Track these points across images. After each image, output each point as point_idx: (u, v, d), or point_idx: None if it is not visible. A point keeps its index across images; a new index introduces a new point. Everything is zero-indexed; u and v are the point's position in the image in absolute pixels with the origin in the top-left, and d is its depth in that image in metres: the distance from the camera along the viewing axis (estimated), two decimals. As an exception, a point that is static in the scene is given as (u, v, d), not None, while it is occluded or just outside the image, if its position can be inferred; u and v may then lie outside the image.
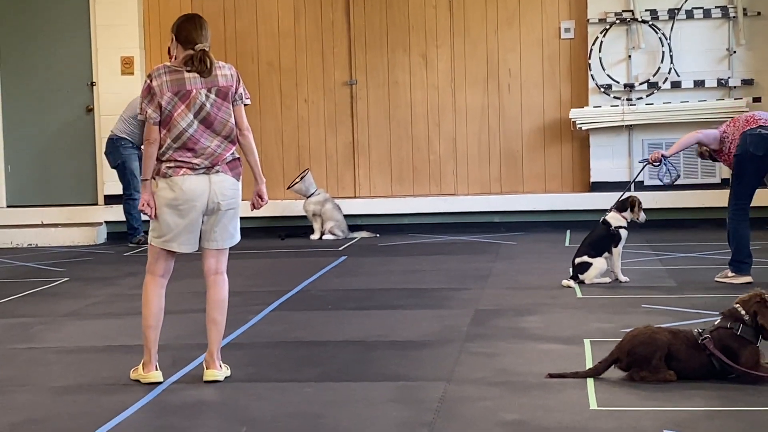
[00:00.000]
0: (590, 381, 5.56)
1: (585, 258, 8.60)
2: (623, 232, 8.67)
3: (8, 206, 13.08)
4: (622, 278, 8.59)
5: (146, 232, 11.95)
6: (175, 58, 5.73)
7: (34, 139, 13.14)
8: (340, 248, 11.43)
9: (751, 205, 8.41)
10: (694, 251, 10.23)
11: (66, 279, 9.81)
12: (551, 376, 5.68)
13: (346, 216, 12.48)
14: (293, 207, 12.74)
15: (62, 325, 7.68)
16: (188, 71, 5.67)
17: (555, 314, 7.49)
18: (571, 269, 8.68)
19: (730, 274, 8.38)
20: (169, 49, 5.82)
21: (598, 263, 8.58)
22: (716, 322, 5.58)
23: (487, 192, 12.86)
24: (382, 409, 5.24)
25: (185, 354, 6.45)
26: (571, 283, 8.54)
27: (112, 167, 12.02)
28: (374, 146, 13.02)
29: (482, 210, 12.63)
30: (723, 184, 11.94)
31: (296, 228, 12.64)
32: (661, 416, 4.94)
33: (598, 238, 8.68)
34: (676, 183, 9.23)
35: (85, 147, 13.07)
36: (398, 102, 12.98)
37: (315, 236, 12.28)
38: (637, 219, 8.73)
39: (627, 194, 8.87)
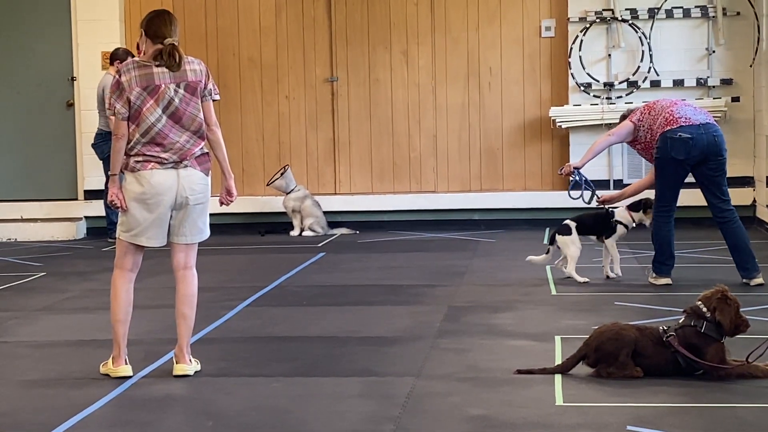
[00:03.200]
0: (558, 377, 5.59)
1: (570, 222, 8.59)
2: (621, 229, 8.67)
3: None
4: (616, 271, 8.63)
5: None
6: (144, 53, 5.74)
7: (15, 133, 13.12)
8: (319, 245, 11.44)
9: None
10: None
11: (43, 274, 9.80)
12: (519, 372, 5.70)
13: (326, 213, 12.49)
14: (273, 203, 12.75)
15: (36, 319, 7.68)
16: (157, 66, 5.67)
17: (528, 311, 7.52)
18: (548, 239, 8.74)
19: (652, 276, 8.38)
20: (138, 44, 5.83)
21: (576, 240, 8.54)
22: (680, 320, 5.61)
23: (467, 189, 12.89)
24: (349, 404, 5.26)
25: (156, 348, 6.45)
26: (534, 258, 8.63)
27: (100, 159, 12.00)
28: (355, 143, 13.03)
29: (462, 207, 12.66)
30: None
31: (276, 224, 12.65)
32: (626, 412, 4.96)
33: (592, 216, 8.71)
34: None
35: (66, 142, 13.05)
36: (379, 99, 13.00)
37: (294, 232, 12.29)
38: (645, 222, 8.69)
39: (643, 196, 8.78)
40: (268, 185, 12.51)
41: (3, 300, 8.49)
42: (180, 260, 5.86)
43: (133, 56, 11.92)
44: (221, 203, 6.02)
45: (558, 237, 8.59)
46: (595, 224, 8.68)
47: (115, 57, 11.82)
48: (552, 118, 12.56)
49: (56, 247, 11.81)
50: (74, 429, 4.93)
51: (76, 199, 12.97)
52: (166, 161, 5.70)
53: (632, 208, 8.72)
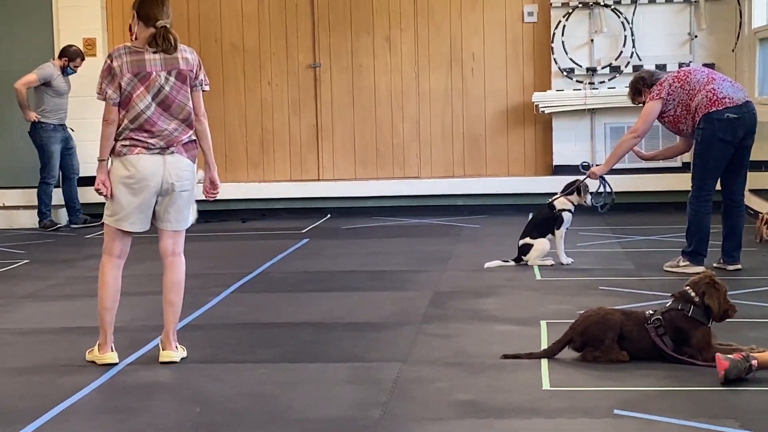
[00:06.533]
0: (544, 361, 5.61)
1: (527, 240, 8.69)
2: (566, 215, 8.73)
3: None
4: (565, 260, 8.64)
5: (89, 215, 12.06)
6: (136, 37, 5.71)
7: (-5, 118, 13.04)
8: (303, 231, 11.43)
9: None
10: (652, 234, 10.31)
11: (26, 261, 9.76)
12: (506, 357, 5.72)
13: (309, 199, 12.52)
14: (256, 190, 12.73)
15: (20, 306, 7.65)
16: (152, 52, 5.65)
17: (513, 296, 7.54)
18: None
19: (683, 263, 8.16)
20: (130, 26, 5.80)
21: (540, 244, 8.65)
22: (668, 304, 5.64)
23: (451, 175, 12.89)
24: (336, 390, 5.26)
25: (142, 335, 6.44)
26: (493, 264, 8.62)
27: (35, 147, 11.99)
28: (338, 129, 13.01)
29: (445, 193, 12.67)
30: (684, 168, 12.01)
31: (258, 211, 12.63)
32: (613, 396, 4.99)
33: (542, 219, 8.78)
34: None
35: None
36: (362, 85, 12.97)
37: None
38: (584, 203, 8.77)
39: (573, 178, 8.90)
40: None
41: (-14, 287, 8.45)
42: (168, 247, 5.84)
43: (83, 58, 11.98)
44: (206, 196, 5.98)
45: (525, 257, 8.63)
46: (547, 223, 8.71)
47: (64, 54, 11.86)
48: (535, 103, 12.57)
49: (39, 234, 11.75)
50: (61, 416, 4.92)
51: (58, 186, 12.89)
52: (152, 147, 5.68)
53: (568, 193, 8.75)
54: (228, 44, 13.08)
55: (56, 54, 12.65)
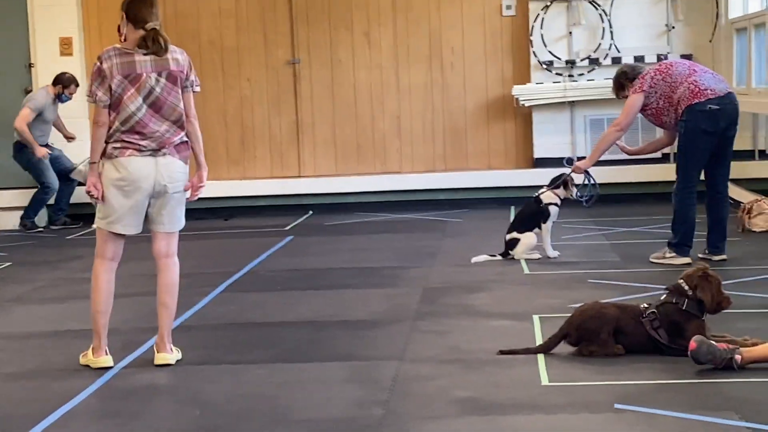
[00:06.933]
0: (541, 357, 5.62)
1: (514, 234, 8.71)
2: (553, 209, 8.75)
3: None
4: (552, 254, 8.66)
5: (70, 216, 11.99)
6: (126, 38, 5.67)
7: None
8: (286, 228, 11.41)
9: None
10: (636, 225, 10.36)
11: (8, 264, 9.69)
12: (502, 352, 5.73)
13: (290, 195, 12.52)
14: (237, 188, 12.69)
15: (7, 310, 7.60)
16: (142, 54, 5.61)
17: (503, 291, 7.55)
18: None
19: (669, 254, 8.19)
20: (119, 27, 5.76)
21: (526, 239, 8.67)
22: (662, 297, 5.66)
23: (432, 169, 12.90)
24: (336, 389, 5.26)
25: (134, 338, 6.41)
26: (480, 258, 8.64)
27: (25, 169, 11.96)
28: (318, 125, 12.98)
29: (427, 188, 12.67)
30: (664, 158, 12.07)
31: (239, 209, 12.59)
32: (612, 390, 5.01)
33: (528, 214, 8.79)
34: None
35: (24, 129, 12.85)
36: (342, 80, 12.95)
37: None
38: (571, 196, 8.80)
39: (558, 172, 8.93)
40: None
41: (-28, 291, 8.39)
42: (161, 249, 5.82)
43: (77, 84, 11.94)
44: (189, 192, 5.90)
45: (512, 252, 8.65)
46: (534, 217, 8.72)
47: (59, 81, 11.82)
48: (515, 96, 12.59)
49: (19, 236, 11.67)
50: (61, 421, 4.90)
51: (36, 188, 12.80)
52: (144, 148, 5.65)
53: (555, 187, 8.78)
54: (206, 41, 13.02)
55: (33, 55, 12.59)
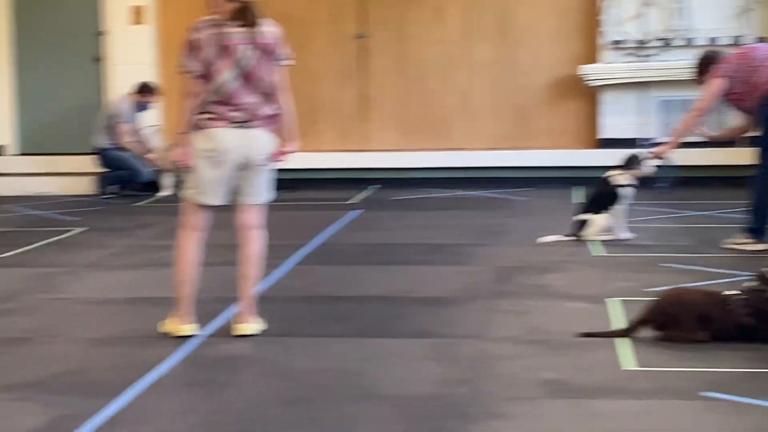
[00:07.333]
0: (622, 341, 5.60)
1: (587, 215, 8.66)
2: (627, 191, 8.69)
3: (19, 154, 13.04)
4: (624, 236, 8.61)
5: (119, 184, 12.10)
6: (217, 11, 5.69)
7: (43, 87, 13.07)
8: (352, 202, 11.44)
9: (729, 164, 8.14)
10: (708, 209, 10.27)
11: (81, 229, 9.81)
12: (583, 335, 5.71)
13: (354, 169, 12.54)
14: (303, 160, 12.69)
15: (85, 275, 7.70)
16: (235, 26, 5.64)
17: (576, 272, 7.53)
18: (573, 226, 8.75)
19: (744, 240, 8.10)
20: (208, -1, 5.77)
21: (598, 219, 8.62)
22: (749, 284, 5.61)
23: (497, 147, 12.86)
24: (418, 366, 5.28)
25: (214, 307, 6.44)
26: (549, 239, 8.60)
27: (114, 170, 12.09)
28: (385, 100, 12.98)
29: (491, 165, 12.64)
30: (741, 143, 11.91)
31: (300, 181, 12.64)
32: (699, 377, 4.97)
33: (601, 195, 8.73)
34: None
35: (93, 96, 13.00)
36: (410, 56, 12.93)
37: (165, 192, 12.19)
38: (642, 175, 8.72)
39: (630, 152, 8.86)
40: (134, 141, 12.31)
41: (48, 254, 8.50)
42: (247, 220, 5.86)
43: (156, 92, 12.06)
44: (274, 159, 5.93)
45: (583, 233, 8.59)
46: (607, 198, 8.65)
47: (142, 90, 11.94)
48: (583, 75, 12.50)
49: (87, 202, 11.80)
50: (151, 388, 4.95)
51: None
52: (235, 120, 5.69)
53: (628, 168, 8.69)
54: (276, 13, 12.98)
55: (104, 23, 12.71)
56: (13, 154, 13.07)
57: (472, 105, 12.90)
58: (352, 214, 10.43)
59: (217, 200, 5.79)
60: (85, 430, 4.39)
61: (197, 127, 5.70)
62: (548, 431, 4.37)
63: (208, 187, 5.74)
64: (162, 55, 12.87)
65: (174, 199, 11.82)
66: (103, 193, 12.13)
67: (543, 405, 4.68)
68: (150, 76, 12.65)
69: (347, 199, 11.57)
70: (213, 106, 5.67)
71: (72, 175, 12.67)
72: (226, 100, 5.66)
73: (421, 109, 12.95)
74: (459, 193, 11.98)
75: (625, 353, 5.39)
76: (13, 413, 4.67)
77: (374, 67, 12.96)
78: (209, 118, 5.68)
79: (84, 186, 12.52)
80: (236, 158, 5.71)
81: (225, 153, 5.69)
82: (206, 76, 5.65)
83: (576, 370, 5.15)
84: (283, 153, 5.94)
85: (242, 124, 5.70)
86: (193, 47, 5.64)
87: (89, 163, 12.75)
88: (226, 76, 5.65)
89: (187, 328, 5.82)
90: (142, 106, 12.11)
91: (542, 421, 4.49)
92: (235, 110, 5.68)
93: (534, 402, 4.72)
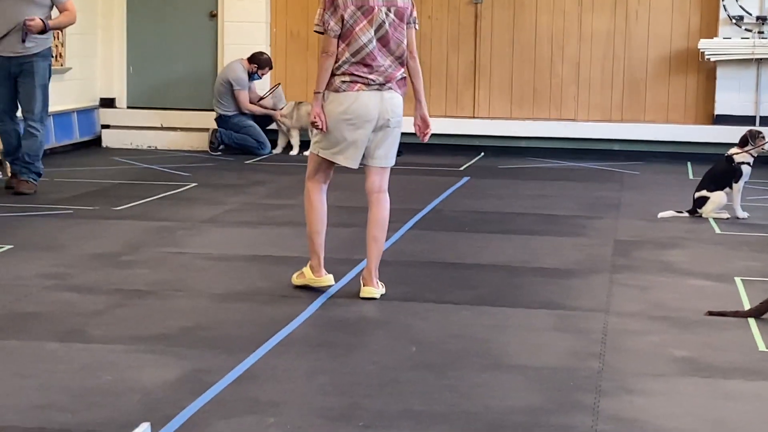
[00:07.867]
0: (752, 321, 5.50)
1: (704, 192, 8.52)
2: (745, 168, 8.53)
3: (129, 107, 13.21)
4: (741, 214, 8.46)
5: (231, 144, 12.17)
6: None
7: (157, 42, 13.19)
8: (461, 168, 11.40)
9: None
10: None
11: (194, 184, 9.91)
12: (711, 313, 5.63)
13: (463, 136, 12.47)
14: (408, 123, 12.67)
15: (203, 231, 7.78)
16: None
17: (697, 249, 7.42)
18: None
19: None
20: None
21: (716, 197, 8.48)
22: None
23: (608, 119, 12.68)
24: (546, 337, 5.25)
25: (335, 269, 6.46)
26: (666, 214, 8.48)
27: (236, 131, 12.19)
28: (495, 67, 12.86)
29: (602, 137, 12.48)
30: None
31: (412, 146, 12.59)
32: (835, 363, 4.88)
33: (719, 172, 8.58)
34: None
35: (206, 53, 13.10)
36: (523, 24, 12.79)
37: (278, 150, 12.29)
38: (763, 150, 8.56)
39: (746, 129, 8.69)
40: (256, 104, 12.33)
41: (165, 209, 8.61)
42: (375, 183, 5.87)
43: (271, 67, 12.12)
44: (420, 135, 6.00)
45: (700, 210, 8.46)
46: (725, 176, 8.50)
47: (256, 61, 12.00)
48: (701, 50, 12.25)
49: (198, 158, 11.91)
50: (280, 347, 4.99)
51: (213, 111, 13.04)
52: (372, 82, 5.71)
53: (743, 145, 8.52)
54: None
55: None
56: (124, 107, 13.23)
57: (583, 75, 12.73)
58: (461, 181, 10.39)
59: (351, 163, 5.81)
60: (222, 385, 4.44)
61: (335, 89, 5.71)
62: (685, 409, 4.31)
63: (344, 148, 5.77)
64: (274, 13, 12.93)
65: (284, 158, 11.97)
66: (215, 149, 12.24)
67: (677, 382, 4.62)
68: (263, 34, 12.70)
69: (456, 166, 11.51)
70: (351, 67, 5.68)
71: (183, 131, 12.81)
72: (364, 62, 5.68)
73: (531, 78, 12.81)
74: (567, 164, 11.86)
75: (757, 334, 5.28)
76: (145, 364, 4.73)
77: (487, 33, 12.84)
78: (348, 81, 5.69)
79: (193, 141, 12.65)
80: (373, 120, 5.74)
81: (363, 116, 5.71)
82: (345, 35, 5.65)
83: (707, 349, 5.07)
84: (425, 125, 5.90)
85: (379, 86, 5.72)
86: (334, 6, 5.66)
87: (200, 119, 12.89)
88: (365, 38, 5.65)
89: (324, 279, 5.88)
90: (252, 76, 12.19)
91: (677, 399, 4.43)
92: (373, 73, 5.70)
93: (667, 379, 4.66)
